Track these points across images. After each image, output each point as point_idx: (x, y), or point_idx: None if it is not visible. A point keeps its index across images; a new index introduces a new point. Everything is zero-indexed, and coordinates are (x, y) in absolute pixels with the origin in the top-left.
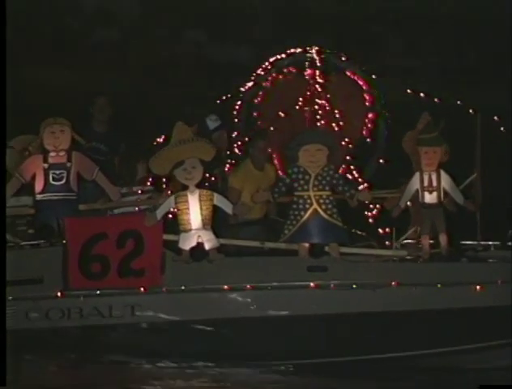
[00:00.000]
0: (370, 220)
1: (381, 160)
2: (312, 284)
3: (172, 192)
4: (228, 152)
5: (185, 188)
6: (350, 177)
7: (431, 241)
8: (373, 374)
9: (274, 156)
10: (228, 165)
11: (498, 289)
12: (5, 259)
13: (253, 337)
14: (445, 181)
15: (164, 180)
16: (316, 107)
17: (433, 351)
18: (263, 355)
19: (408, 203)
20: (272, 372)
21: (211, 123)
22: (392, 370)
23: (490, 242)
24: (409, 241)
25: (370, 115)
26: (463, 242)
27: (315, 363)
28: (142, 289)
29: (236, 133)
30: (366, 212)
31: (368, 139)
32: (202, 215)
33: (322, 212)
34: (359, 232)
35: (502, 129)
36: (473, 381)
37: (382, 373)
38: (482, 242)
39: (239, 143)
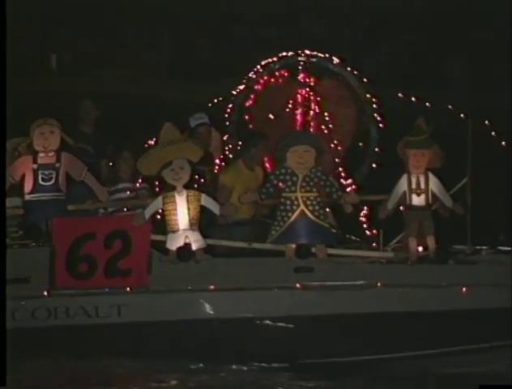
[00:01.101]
0: (359, 222)
1: (373, 165)
2: (298, 285)
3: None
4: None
5: (173, 188)
6: (340, 180)
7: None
8: (368, 375)
9: (265, 158)
10: (217, 166)
11: (484, 292)
12: (5, 259)
13: (239, 338)
14: (434, 183)
15: (156, 180)
16: (306, 110)
17: (418, 353)
18: (249, 355)
19: (401, 207)
20: (255, 373)
21: (192, 121)
22: (381, 372)
23: (479, 246)
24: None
25: (361, 119)
26: (453, 246)
27: (301, 364)
28: (128, 289)
29: (227, 135)
30: (355, 215)
31: (359, 144)
32: (189, 215)
33: (309, 213)
34: (349, 236)
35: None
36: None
37: (378, 374)
38: (471, 245)
39: (230, 145)
